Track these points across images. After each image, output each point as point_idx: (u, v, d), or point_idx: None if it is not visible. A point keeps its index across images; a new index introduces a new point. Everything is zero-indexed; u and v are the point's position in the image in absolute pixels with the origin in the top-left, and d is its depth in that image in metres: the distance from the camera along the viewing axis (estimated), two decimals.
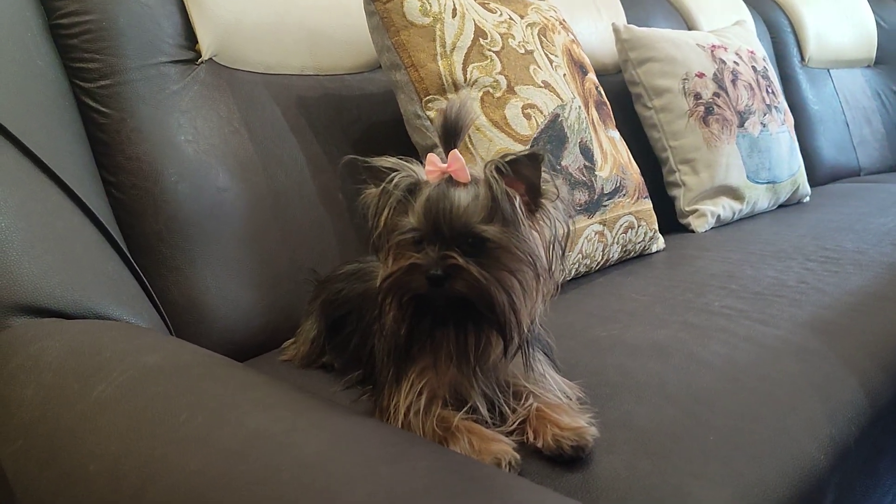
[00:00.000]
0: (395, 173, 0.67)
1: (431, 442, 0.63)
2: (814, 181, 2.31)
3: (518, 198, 0.65)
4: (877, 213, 1.70)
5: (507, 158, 0.65)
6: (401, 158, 0.68)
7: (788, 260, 1.30)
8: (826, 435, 0.72)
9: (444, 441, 0.65)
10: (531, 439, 0.67)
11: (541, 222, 0.67)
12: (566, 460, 0.64)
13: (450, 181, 0.65)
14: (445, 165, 0.66)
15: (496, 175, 0.64)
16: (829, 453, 0.70)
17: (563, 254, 0.69)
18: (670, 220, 1.66)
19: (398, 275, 0.65)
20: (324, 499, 0.45)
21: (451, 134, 0.67)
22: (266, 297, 1.04)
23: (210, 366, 0.68)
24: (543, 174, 0.66)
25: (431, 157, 0.67)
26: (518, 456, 0.63)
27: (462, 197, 0.64)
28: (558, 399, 0.71)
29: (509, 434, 0.68)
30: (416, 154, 1.18)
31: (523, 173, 0.65)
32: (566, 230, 0.69)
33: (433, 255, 0.63)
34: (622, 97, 1.72)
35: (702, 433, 0.69)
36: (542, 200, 0.67)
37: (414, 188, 0.66)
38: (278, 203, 1.10)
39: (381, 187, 0.67)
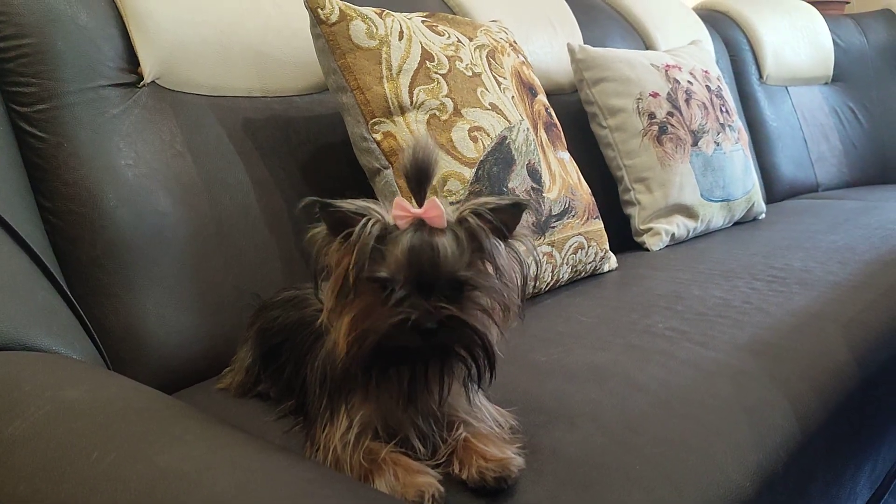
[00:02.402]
0: (363, 219, 0.63)
1: (350, 479, 0.62)
2: (772, 197, 2.35)
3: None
4: (828, 231, 1.72)
5: (490, 206, 0.64)
6: (364, 200, 0.65)
7: (736, 279, 1.31)
8: (753, 462, 0.73)
9: (370, 474, 0.65)
10: (456, 470, 0.66)
11: (511, 261, 0.67)
12: (489, 492, 0.64)
13: (423, 226, 0.63)
14: (419, 211, 0.63)
15: (479, 223, 0.64)
16: (755, 480, 0.71)
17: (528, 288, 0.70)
18: (626, 239, 1.67)
19: (387, 330, 0.62)
20: None
21: (422, 178, 0.64)
22: (207, 323, 1.03)
23: (132, 400, 0.67)
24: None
25: (400, 201, 0.64)
26: (442, 489, 0.62)
27: (445, 244, 0.62)
28: (490, 428, 0.71)
29: (438, 465, 0.67)
30: (364, 175, 1.18)
31: (502, 220, 0.65)
32: (534, 266, 0.69)
33: (423, 307, 0.61)
34: (578, 116, 1.73)
35: (628, 461, 0.69)
36: (512, 241, 0.67)
37: (384, 235, 0.63)
38: (222, 227, 1.09)
39: (345, 234, 0.64)
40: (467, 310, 0.64)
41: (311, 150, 1.24)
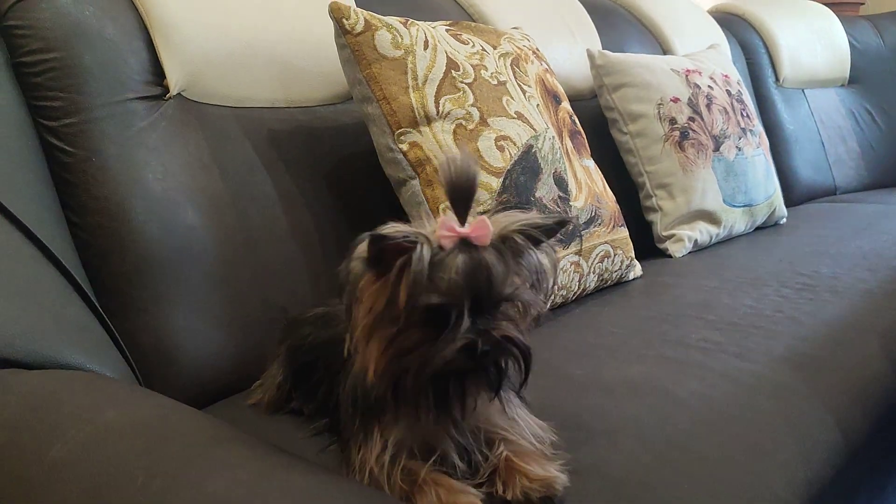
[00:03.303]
0: (416, 246, 0.59)
1: (398, 502, 0.61)
2: (790, 201, 2.33)
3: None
4: (852, 236, 1.70)
5: (535, 225, 0.63)
6: (404, 225, 0.62)
7: (764, 287, 1.30)
8: (801, 479, 0.71)
9: (412, 496, 0.64)
10: (500, 491, 0.65)
11: (544, 272, 0.67)
12: None
13: (469, 245, 0.61)
14: (467, 230, 0.60)
15: (524, 240, 0.63)
16: (803, 497, 0.70)
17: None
18: (648, 245, 1.66)
19: (449, 360, 0.60)
20: None
21: (464, 194, 0.62)
22: (236, 337, 1.03)
23: (172, 421, 0.66)
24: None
25: (447, 221, 0.61)
26: None
27: (494, 263, 0.61)
28: (531, 444, 0.70)
29: (480, 485, 0.66)
30: (389, 185, 1.17)
31: (546, 235, 0.65)
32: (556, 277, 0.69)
33: (482, 330, 0.60)
34: (598, 122, 1.72)
35: (674, 480, 0.68)
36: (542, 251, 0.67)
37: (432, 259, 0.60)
38: (249, 240, 1.08)
39: (401, 264, 0.60)
40: (508, 323, 0.63)
41: (336, 160, 1.23)
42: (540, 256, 0.65)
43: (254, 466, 0.58)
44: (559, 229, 0.66)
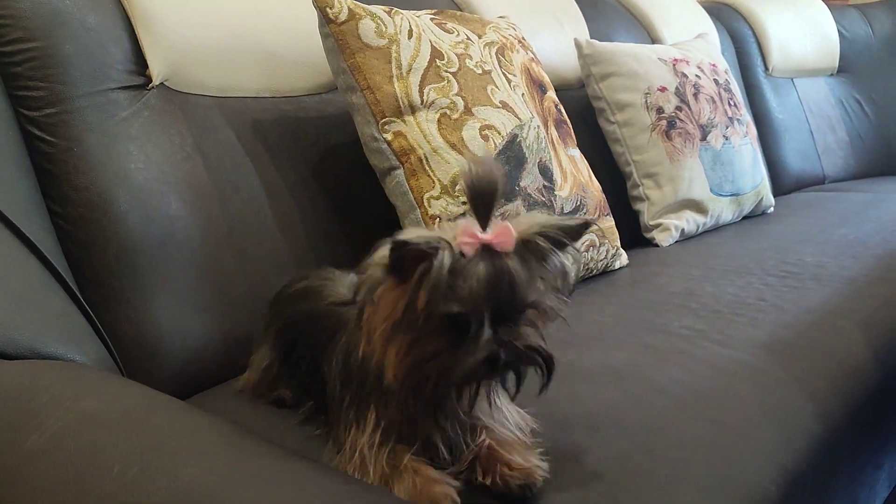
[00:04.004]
0: (437, 252, 0.57)
1: (375, 491, 0.61)
2: (779, 190, 2.34)
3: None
4: (838, 224, 1.71)
5: (560, 227, 0.61)
6: (426, 230, 0.63)
7: (749, 275, 1.31)
8: (779, 464, 0.72)
9: (390, 480, 0.64)
10: (480, 478, 0.66)
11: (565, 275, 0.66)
12: (514, 500, 0.63)
13: (490, 252, 0.59)
14: (489, 237, 0.58)
15: (548, 244, 0.61)
16: (780, 483, 0.70)
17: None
18: (636, 234, 1.66)
19: (470, 370, 0.59)
20: None
21: (487, 199, 0.59)
22: (220, 327, 1.03)
23: (151, 410, 0.66)
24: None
25: (468, 227, 0.59)
26: (458, 500, 0.62)
27: (517, 269, 0.59)
28: (512, 434, 0.70)
29: (461, 472, 0.67)
30: (374, 175, 1.17)
31: (571, 238, 0.63)
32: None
33: (505, 341, 0.59)
34: (586, 111, 1.72)
35: (653, 467, 0.68)
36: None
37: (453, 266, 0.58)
38: (233, 230, 1.08)
39: (421, 271, 0.57)
40: (530, 330, 0.62)
41: (321, 150, 1.23)
42: (564, 259, 0.63)
43: (230, 454, 0.58)
44: (584, 231, 0.64)
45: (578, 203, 1.28)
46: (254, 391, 0.92)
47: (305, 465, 0.57)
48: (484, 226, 0.59)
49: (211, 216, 1.06)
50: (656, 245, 1.63)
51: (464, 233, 0.59)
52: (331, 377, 0.73)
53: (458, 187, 1.11)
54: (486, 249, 0.58)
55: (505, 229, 0.59)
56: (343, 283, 0.83)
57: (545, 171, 1.23)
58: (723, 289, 1.23)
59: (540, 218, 0.62)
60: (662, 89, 1.68)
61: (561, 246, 0.62)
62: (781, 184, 2.37)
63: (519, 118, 1.21)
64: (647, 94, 1.67)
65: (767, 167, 2.32)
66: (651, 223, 1.64)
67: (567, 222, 0.62)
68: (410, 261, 0.58)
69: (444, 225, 0.63)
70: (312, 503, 0.51)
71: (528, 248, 0.60)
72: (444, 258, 0.57)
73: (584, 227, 0.64)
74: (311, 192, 1.19)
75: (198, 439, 0.60)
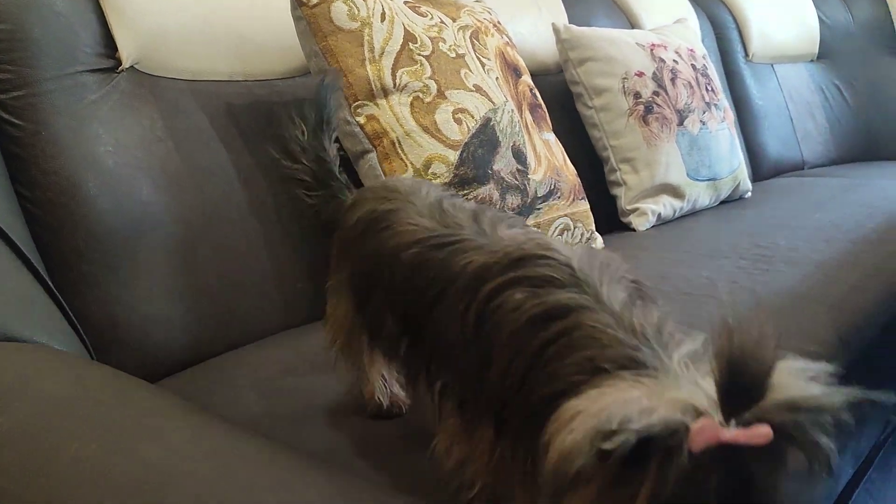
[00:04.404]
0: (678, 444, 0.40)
1: (331, 470, 0.62)
2: (758, 175, 2.36)
3: None
4: (814, 209, 1.73)
5: (823, 406, 0.42)
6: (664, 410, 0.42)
7: (723, 259, 1.32)
8: None
9: None
10: None
11: None
12: None
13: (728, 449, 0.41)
14: (732, 436, 0.40)
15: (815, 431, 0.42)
16: None
17: None
18: (613, 219, 1.67)
19: None
20: None
21: (745, 389, 0.41)
22: (193, 311, 1.03)
23: (114, 391, 0.66)
24: None
25: (708, 425, 0.40)
26: None
27: (760, 475, 0.42)
28: None
29: None
30: (348, 159, 1.17)
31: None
32: None
33: None
34: (564, 96, 1.72)
35: None
36: None
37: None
38: (206, 214, 1.08)
39: (656, 466, 0.41)
40: None
41: None
42: (828, 446, 0.43)
43: (188, 433, 0.58)
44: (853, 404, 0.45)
45: (552, 187, 1.28)
46: (345, 346, 0.79)
47: (260, 443, 0.57)
48: (729, 419, 0.41)
49: (183, 201, 1.05)
50: (633, 230, 1.63)
51: (702, 432, 0.40)
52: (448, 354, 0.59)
53: (430, 170, 1.11)
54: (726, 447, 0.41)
55: (763, 434, 0.40)
56: (418, 197, 0.71)
57: (519, 155, 1.23)
58: (696, 272, 1.24)
59: (795, 388, 0.42)
60: (640, 74, 1.69)
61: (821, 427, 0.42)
62: (761, 169, 2.39)
63: (493, 102, 1.22)
64: (625, 78, 1.67)
65: (747, 153, 2.34)
66: (628, 208, 1.65)
67: (831, 399, 0.42)
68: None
69: (649, 384, 0.44)
70: (265, 479, 0.52)
71: (783, 433, 0.41)
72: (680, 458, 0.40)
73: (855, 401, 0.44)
74: (286, 176, 1.19)
75: (158, 418, 0.60)
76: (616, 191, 1.67)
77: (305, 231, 1.18)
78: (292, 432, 0.77)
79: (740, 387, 0.41)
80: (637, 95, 1.66)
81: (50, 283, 0.89)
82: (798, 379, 0.42)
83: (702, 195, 1.75)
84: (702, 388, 0.42)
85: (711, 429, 0.40)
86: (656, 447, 0.40)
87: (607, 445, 0.40)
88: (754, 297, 1.09)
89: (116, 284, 0.97)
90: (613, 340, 0.48)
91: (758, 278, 1.19)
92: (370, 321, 0.71)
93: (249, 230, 1.12)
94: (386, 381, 0.80)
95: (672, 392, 0.42)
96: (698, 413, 0.41)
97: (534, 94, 1.38)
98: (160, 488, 0.50)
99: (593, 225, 1.40)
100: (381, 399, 0.79)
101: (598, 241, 1.43)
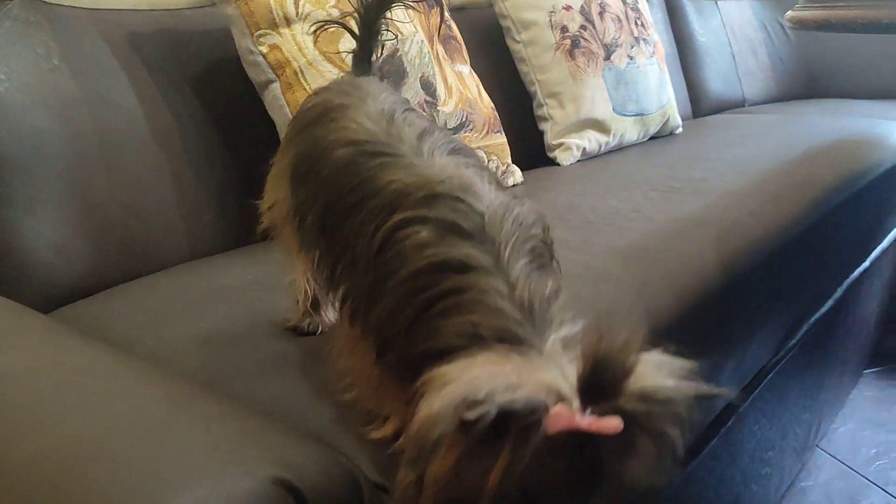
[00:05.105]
0: (538, 420, 0.43)
1: (205, 404, 0.57)
2: (699, 113, 2.38)
3: None
4: (738, 144, 1.75)
5: (678, 398, 0.44)
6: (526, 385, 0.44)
7: (634, 190, 1.34)
8: None
9: None
10: None
11: None
12: None
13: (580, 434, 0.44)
14: (585, 423, 0.42)
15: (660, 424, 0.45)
16: None
17: None
18: (541, 154, 1.69)
19: None
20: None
21: (603, 387, 0.43)
22: (93, 241, 1.03)
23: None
24: None
25: (563, 410, 0.43)
26: None
27: (613, 457, 0.46)
28: None
29: None
30: (255, 91, 1.17)
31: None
32: None
33: None
34: (494, 31, 1.72)
35: None
36: None
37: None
38: (106, 145, 1.07)
39: (512, 445, 0.43)
40: None
41: (202, 65, 1.22)
42: (676, 436, 0.45)
43: (39, 346, 0.60)
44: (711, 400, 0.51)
45: (464, 119, 1.29)
46: (281, 225, 0.77)
47: (135, 366, 0.59)
48: (585, 407, 0.44)
49: (81, 130, 1.05)
50: (559, 164, 1.65)
51: (558, 417, 0.43)
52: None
53: None
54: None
55: (614, 424, 0.42)
56: (375, 100, 0.70)
57: (427, 86, 1.24)
58: (604, 202, 1.26)
59: (650, 379, 0.44)
60: (567, 8, 1.68)
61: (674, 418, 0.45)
62: (702, 107, 2.41)
63: (401, 32, 1.21)
64: (552, 12, 1.67)
65: (688, 90, 2.35)
66: (554, 143, 1.67)
67: (681, 392, 0.44)
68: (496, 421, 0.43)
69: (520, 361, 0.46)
70: (109, 390, 0.54)
71: (635, 420, 0.43)
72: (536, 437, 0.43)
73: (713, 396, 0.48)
74: (192, 107, 1.19)
75: (15, 338, 0.62)
76: (543, 126, 1.69)
77: (212, 161, 1.18)
78: (186, 356, 0.77)
79: (600, 383, 0.43)
80: (564, 29, 1.67)
81: None
82: (656, 372, 0.44)
83: (629, 130, 1.77)
84: (566, 375, 0.45)
85: (567, 414, 0.43)
86: (515, 424, 0.42)
87: (469, 415, 0.41)
88: (652, 224, 1.12)
89: (12, 212, 0.98)
90: (499, 311, 0.50)
91: (661, 207, 1.22)
92: (298, 208, 0.70)
93: (154, 161, 1.12)
94: (309, 285, 0.80)
95: (539, 373, 0.45)
96: (559, 397, 0.43)
97: (448, 27, 1.38)
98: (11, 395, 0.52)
99: (509, 158, 1.41)
100: (305, 305, 0.79)
101: (516, 174, 1.44)
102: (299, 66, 1.11)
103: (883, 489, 1.49)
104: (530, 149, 1.67)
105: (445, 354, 0.48)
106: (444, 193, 0.56)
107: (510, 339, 0.48)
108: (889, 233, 1.69)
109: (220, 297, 0.93)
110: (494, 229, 0.54)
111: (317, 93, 0.79)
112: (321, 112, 0.72)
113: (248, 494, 0.43)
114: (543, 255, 0.58)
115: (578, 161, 1.67)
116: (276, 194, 0.77)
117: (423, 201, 0.56)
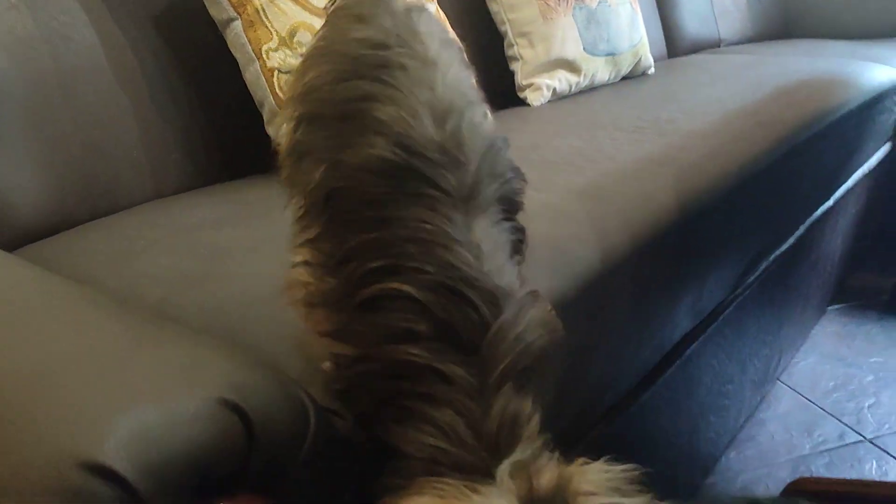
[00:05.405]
0: None
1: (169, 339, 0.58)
2: (674, 53, 2.37)
3: None
4: (708, 84, 1.76)
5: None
6: None
7: (599, 130, 1.35)
8: (547, 287, 0.79)
9: None
10: None
11: None
12: None
13: None
14: None
15: None
16: (555, 307, 0.77)
17: None
18: (512, 95, 1.69)
19: None
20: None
21: None
22: (55, 179, 1.04)
23: None
24: None
25: None
26: None
27: None
28: None
29: None
30: (218, 30, 1.16)
31: None
32: None
33: None
34: None
35: None
36: None
37: None
38: (66, 83, 1.07)
39: None
40: None
41: (165, 3, 1.21)
42: None
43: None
44: None
45: None
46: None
47: (96, 303, 0.61)
48: None
49: (39, 69, 1.04)
50: (529, 105, 1.66)
51: None
52: None
53: (296, 38, 1.11)
54: None
55: None
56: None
57: None
58: (567, 142, 1.28)
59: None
60: None
61: None
62: (677, 47, 2.40)
63: None
64: None
65: (664, 30, 2.34)
66: (524, 83, 1.66)
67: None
68: None
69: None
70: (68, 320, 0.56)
71: None
72: None
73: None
74: (155, 44, 1.18)
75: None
76: (513, 66, 1.68)
77: (176, 99, 1.18)
78: (146, 292, 0.78)
79: None
80: None
81: None
82: (599, 489, 0.47)
83: (600, 70, 1.77)
84: None
85: None
86: None
87: None
88: (612, 164, 1.14)
89: None
90: (463, 442, 0.50)
91: (623, 147, 1.23)
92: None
93: (116, 99, 1.12)
94: None
95: None
96: None
97: None
98: None
99: None
100: None
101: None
102: (261, 4, 1.10)
103: (839, 419, 1.55)
104: (500, 89, 1.67)
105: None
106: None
107: (466, 470, 0.49)
108: (854, 172, 1.72)
109: (184, 234, 0.94)
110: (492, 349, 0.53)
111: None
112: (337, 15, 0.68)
113: (194, 414, 0.46)
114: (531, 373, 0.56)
115: (549, 102, 1.67)
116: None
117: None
